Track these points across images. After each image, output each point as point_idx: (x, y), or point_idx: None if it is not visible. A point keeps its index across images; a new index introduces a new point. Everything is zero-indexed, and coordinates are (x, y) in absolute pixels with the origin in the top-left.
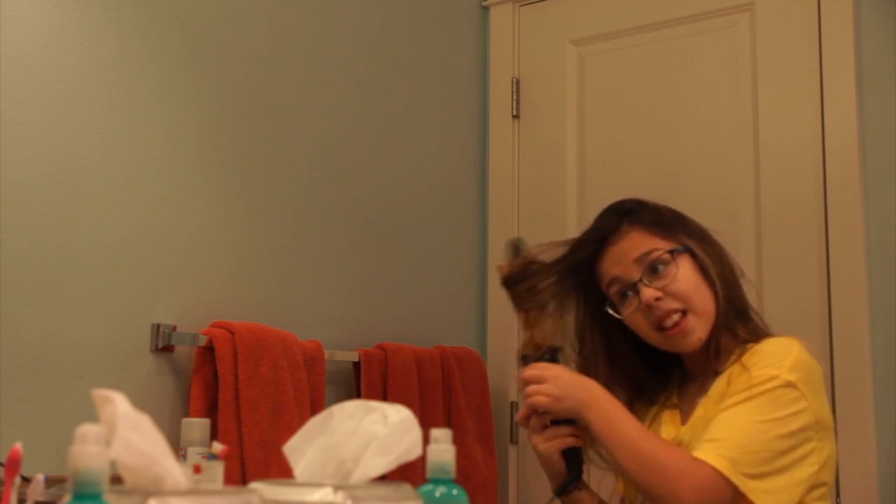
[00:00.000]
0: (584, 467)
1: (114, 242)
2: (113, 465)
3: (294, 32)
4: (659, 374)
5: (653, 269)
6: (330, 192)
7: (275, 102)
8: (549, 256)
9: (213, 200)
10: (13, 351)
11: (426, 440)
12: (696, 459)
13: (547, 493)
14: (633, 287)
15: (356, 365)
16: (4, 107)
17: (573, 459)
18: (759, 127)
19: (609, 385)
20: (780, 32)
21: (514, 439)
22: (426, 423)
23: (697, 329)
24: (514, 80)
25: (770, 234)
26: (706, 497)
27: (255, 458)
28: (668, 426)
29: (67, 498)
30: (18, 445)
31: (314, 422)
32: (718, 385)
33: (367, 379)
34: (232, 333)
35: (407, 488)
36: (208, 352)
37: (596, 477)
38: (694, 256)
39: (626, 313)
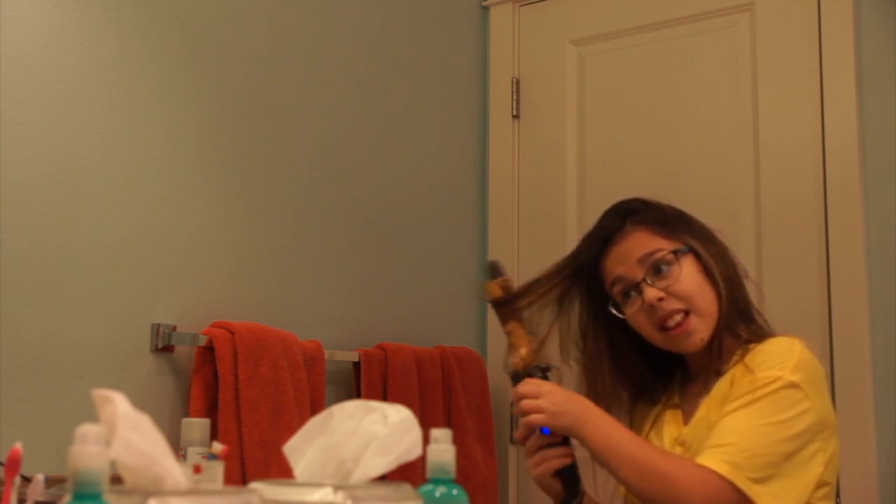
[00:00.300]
0: (581, 482)
1: (114, 242)
2: (113, 465)
3: (294, 32)
4: (661, 374)
5: (656, 270)
6: (330, 192)
7: (275, 102)
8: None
9: (213, 200)
10: (13, 351)
11: (426, 440)
12: (701, 466)
13: None
14: (637, 287)
15: (356, 365)
16: (4, 107)
17: (568, 478)
18: (759, 127)
19: (613, 385)
20: (780, 32)
21: (514, 439)
22: (426, 423)
23: (700, 329)
24: (514, 80)
25: (770, 234)
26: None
27: (255, 458)
28: (671, 426)
29: (67, 498)
30: (18, 445)
31: (314, 422)
32: (721, 385)
33: (367, 379)
34: (232, 333)
35: (407, 488)
36: (208, 352)
37: (598, 477)
38: (697, 257)
39: (628, 313)
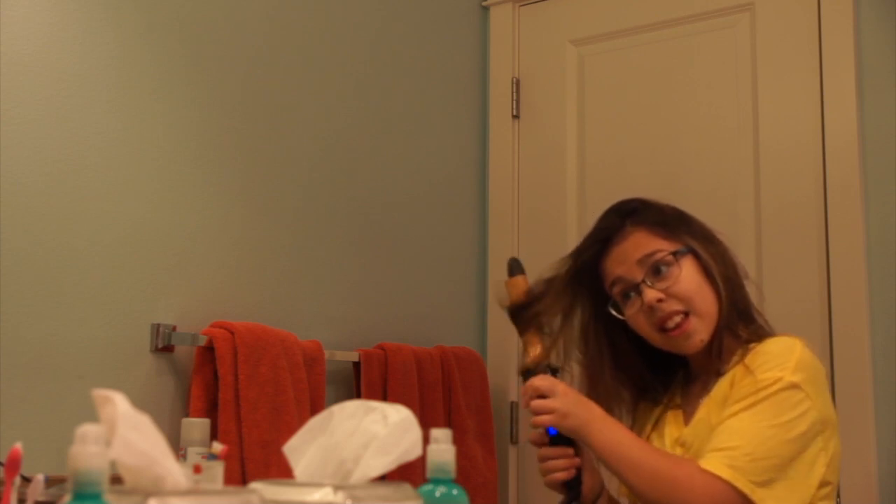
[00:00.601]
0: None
1: (114, 242)
2: (113, 465)
3: (294, 32)
4: (662, 374)
5: (656, 271)
6: (330, 192)
7: (275, 102)
8: (548, 273)
9: (213, 200)
10: (13, 351)
11: (426, 440)
12: (704, 471)
13: (547, 492)
14: (636, 288)
15: (356, 365)
16: (4, 107)
17: (571, 484)
18: (759, 127)
19: (614, 385)
20: (780, 32)
21: (514, 439)
22: (426, 423)
23: (699, 330)
24: (514, 80)
25: (770, 234)
26: None
27: (255, 458)
28: (672, 427)
29: (67, 498)
30: (18, 445)
31: (314, 422)
32: (721, 386)
33: (367, 379)
34: (232, 333)
35: (407, 488)
36: (208, 352)
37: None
38: (697, 257)
39: (628, 314)
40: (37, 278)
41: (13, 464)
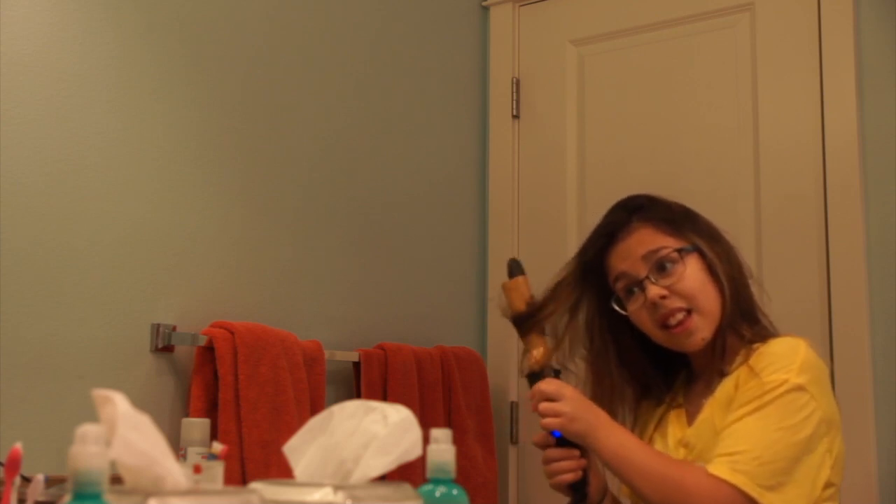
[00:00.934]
0: (589, 485)
1: (114, 242)
2: (113, 465)
3: (294, 32)
4: (665, 372)
5: (660, 267)
6: (330, 192)
7: (275, 102)
8: (556, 279)
9: (213, 200)
10: (13, 351)
11: (426, 440)
12: (712, 476)
13: (547, 492)
14: (640, 284)
15: (356, 365)
16: (4, 107)
17: (577, 486)
18: (759, 127)
19: (619, 382)
20: (780, 32)
21: (514, 439)
22: (426, 423)
23: (702, 328)
24: (514, 80)
25: (770, 234)
26: None
27: (255, 458)
28: (675, 427)
29: (67, 498)
30: (18, 445)
31: (314, 422)
32: (725, 387)
33: (367, 379)
34: (232, 333)
35: (407, 488)
36: (208, 352)
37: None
38: (702, 255)
39: (631, 310)
40: (37, 278)
41: (13, 464)
